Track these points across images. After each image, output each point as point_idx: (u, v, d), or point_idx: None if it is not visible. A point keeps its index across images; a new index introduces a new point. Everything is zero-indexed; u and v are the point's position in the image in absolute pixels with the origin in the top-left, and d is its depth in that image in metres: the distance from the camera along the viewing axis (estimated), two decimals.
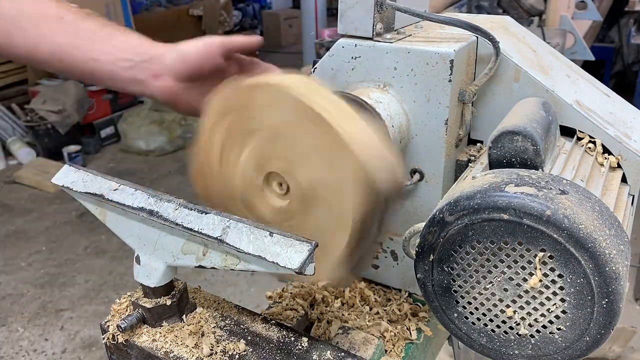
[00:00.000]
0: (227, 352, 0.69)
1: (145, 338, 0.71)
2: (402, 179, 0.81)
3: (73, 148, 4.35)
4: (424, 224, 0.62)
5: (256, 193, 0.69)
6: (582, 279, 0.53)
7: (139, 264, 0.71)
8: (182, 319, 0.74)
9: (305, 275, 0.57)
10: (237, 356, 0.68)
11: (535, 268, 0.56)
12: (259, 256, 0.59)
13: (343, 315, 0.86)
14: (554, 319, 0.57)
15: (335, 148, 0.60)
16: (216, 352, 0.69)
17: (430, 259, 0.62)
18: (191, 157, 0.73)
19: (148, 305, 0.71)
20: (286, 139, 0.64)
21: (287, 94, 0.62)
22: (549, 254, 0.54)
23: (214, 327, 0.73)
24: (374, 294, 0.91)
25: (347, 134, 0.59)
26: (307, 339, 0.71)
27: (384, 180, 0.61)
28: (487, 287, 0.60)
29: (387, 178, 0.62)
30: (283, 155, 0.65)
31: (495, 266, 0.58)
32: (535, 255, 0.55)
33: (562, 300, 0.56)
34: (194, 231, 0.63)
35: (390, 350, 0.82)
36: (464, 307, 0.62)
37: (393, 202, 0.65)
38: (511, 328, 0.60)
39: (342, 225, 0.63)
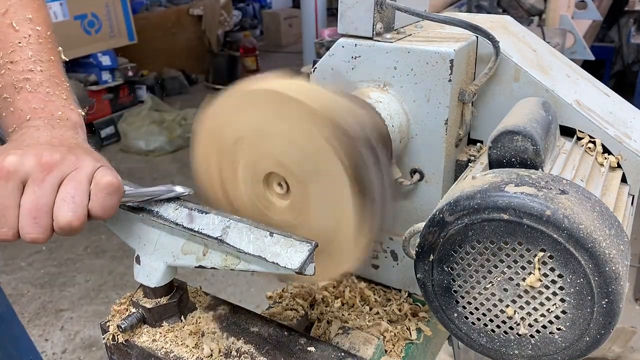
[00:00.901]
0: (227, 352, 0.69)
1: (145, 338, 0.71)
2: (399, 176, 0.81)
3: None
4: (424, 224, 0.62)
5: (264, 203, 0.69)
6: (582, 279, 0.53)
7: (139, 264, 0.71)
8: (182, 319, 0.74)
9: (305, 275, 0.57)
10: (237, 356, 0.68)
11: (535, 268, 0.56)
12: (259, 256, 0.59)
13: (343, 315, 0.86)
14: (553, 319, 0.57)
15: (292, 111, 0.60)
16: (216, 353, 0.69)
17: (430, 259, 0.62)
18: (193, 169, 0.73)
19: (148, 306, 0.71)
20: (262, 134, 0.64)
21: (242, 92, 0.63)
22: (548, 254, 0.54)
23: (213, 327, 0.73)
24: (374, 294, 0.91)
25: (294, 93, 0.60)
26: (307, 339, 0.71)
27: (352, 124, 0.60)
28: (487, 287, 0.60)
29: (353, 121, 0.61)
30: (266, 151, 0.65)
31: (495, 266, 0.58)
32: (535, 255, 0.55)
33: (562, 300, 0.56)
34: (194, 231, 0.63)
35: (390, 350, 0.81)
36: (464, 307, 0.62)
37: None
38: (511, 328, 0.60)
39: (344, 188, 0.61)
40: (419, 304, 0.90)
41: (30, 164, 0.58)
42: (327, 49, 0.84)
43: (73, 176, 0.59)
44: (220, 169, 0.70)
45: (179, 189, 0.68)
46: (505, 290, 0.59)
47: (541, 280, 0.56)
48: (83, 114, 0.73)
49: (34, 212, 0.58)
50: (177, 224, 0.65)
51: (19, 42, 0.72)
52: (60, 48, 0.77)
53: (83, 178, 0.59)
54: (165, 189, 0.67)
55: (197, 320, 0.74)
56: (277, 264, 0.58)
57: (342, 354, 0.68)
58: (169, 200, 0.67)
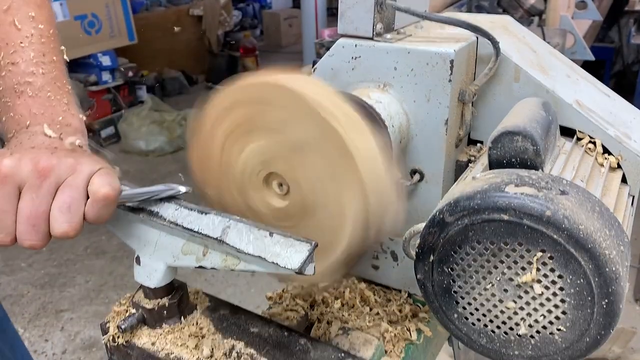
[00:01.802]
0: (227, 353, 0.69)
1: (145, 339, 0.71)
2: (402, 183, 0.81)
3: None
4: (424, 224, 0.62)
5: (255, 188, 0.69)
6: (582, 280, 0.53)
7: (139, 265, 0.71)
8: (182, 320, 0.74)
9: (305, 275, 0.57)
10: (237, 357, 0.68)
11: (535, 269, 0.55)
12: (259, 256, 0.59)
13: (343, 315, 0.86)
14: (554, 320, 0.57)
15: (348, 173, 0.60)
16: (216, 353, 0.69)
17: (430, 260, 0.62)
18: (191, 147, 0.72)
19: (148, 306, 0.71)
20: (301, 150, 0.63)
21: (312, 109, 0.61)
22: (549, 255, 0.54)
23: (213, 328, 0.73)
24: (374, 295, 0.91)
25: (363, 166, 0.60)
26: (307, 339, 0.71)
27: (383, 216, 0.63)
28: (487, 287, 0.60)
29: (386, 214, 0.63)
30: (293, 162, 0.64)
31: (496, 267, 0.58)
32: (535, 256, 0.55)
33: (562, 301, 0.56)
34: (194, 231, 0.63)
35: (390, 351, 0.81)
36: (464, 308, 0.62)
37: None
38: (511, 329, 0.60)
39: (339, 238, 0.63)
40: (419, 304, 0.90)
41: (27, 169, 0.57)
42: (327, 49, 0.84)
43: (69, 182, 0.59)
44: (228, 132, 0.68)
45: (177, 187, 0.67)
46: (506, 290, 0.59)
47: (541, 281, 0.56)
48: (84, 118, 0.72)
49: (33, 219, 0.57)
50: (177, 224, 0.65)
51: (21, 42, 0.70)
52: (63, 47, 0.75)
53: (80, 183, 0.59)
54: (163, 187, 0.67)
55: (197, 321, 0.74)
56: (277, 264, 0.58)
57: (342, 354, 0.68)
58: (169, 199, 0.67)
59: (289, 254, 0.58)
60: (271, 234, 0.60)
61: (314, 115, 0.61)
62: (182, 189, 0.68)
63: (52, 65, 0.71)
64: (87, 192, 0.59)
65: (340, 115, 0.61)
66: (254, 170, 0.68)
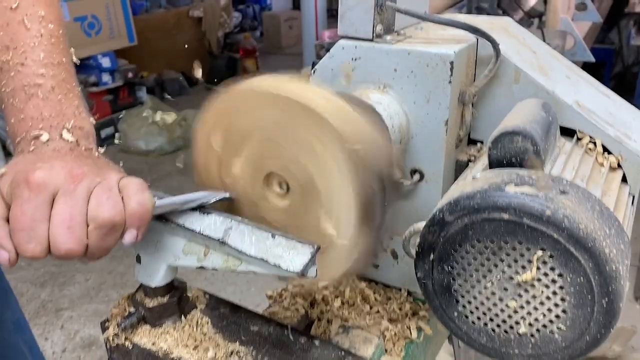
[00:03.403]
0: (227, 351, 0.69)
1: (145, 337, 0.71)
2: (400, 176, 0.81)
3: None
4: (424, 223, 0.62)
5: (259, 199, 0.69)
6: (582, 279, 0.54)
7: (140, 264, 0.71)
8: (182, 319, 0.74)
9: (308, 277, 0.58)
10: (237, 355, 0.69)
11: (535, 267, 0.56)
12: (261, 258, 0.59)
13: (343, 314, 0.86)
14: (554, 318, 0.57)
15: (322, 135, 0.60)
16: (216, 352, 0.69)
17: (430, 258, 0.62)
18: (193, 172, 0.73)
19: (148, 305, 0.72)
20: (277, 136, 0.64)
21: (268, 94, 0.62)
22: (549, 254, 0.54)
23: (213, 326, 0.73)
24: (374, 293, 0.91)
25: (333, 117, 0.60)
26: (307, 338, 0.71)
27: (374, 155, 0.61)
28: (487, 286, 0.60)
29: (376, 153, 0.62)
30: (277, 153, 0.65)
31: (495, 265, 0.58)
32: (535, 255, 0.55)
33: (562, 299, 0.56)
34: (196, 232, 0.63)
35: (391, 349, 0.82)
36: (464, 306, 0.63)
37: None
38: (511, 327, 0.60)
39: (346, 211, 0.62)
40: (419, 302, 0.90)
41: (60, 177, 0.57)
42: (327, 50, 0.84)
43: (103, 184, 0.59)
44: (220, 154, 0.69)
45: (208, 194, 0.67)
46: (505, 289, 0.59)
47: (541, 280, 0.56)
48: (93, 121, 0.71)
49: (68, 221, 0.56)
50: (178, 224, 0.65)
51: (30, 42, 0.68)
52: (72, 49, 0.74)
53: (113, 185, 0.59)
54: (194, 196, 0.66)
55: (197, 320, 0.74)
56: (279, 266, 0.58)
57: (342, 352, 0.69)
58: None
59: (291, 256, 0.58)
60: (273, 236, 0.60)
61: (268, 98, 0.62)
62: (218, 194, 0.67)
63: (61, 67, 0.70)
64: (124, 202, 0.59)
65: (291, 86, 0.62)
66: (254, 179, 0.68)
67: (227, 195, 0.69)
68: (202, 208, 0.66)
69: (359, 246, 0.63)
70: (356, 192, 0.61)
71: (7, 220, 0.57)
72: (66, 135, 0.64)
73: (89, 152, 0.65)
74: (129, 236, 0.60)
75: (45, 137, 0.63)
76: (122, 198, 0.59)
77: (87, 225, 0.57)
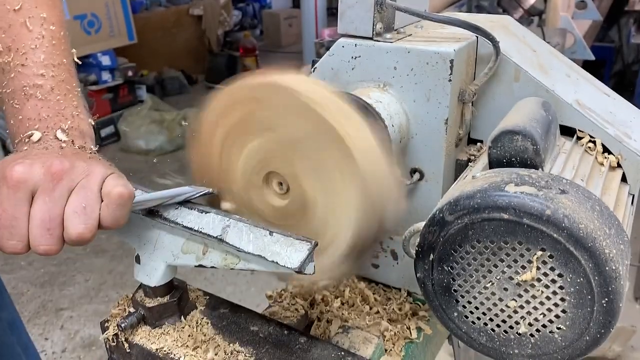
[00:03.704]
0: (227, 351, 0.69)
1: (145, 338, 0.71)
2: (402, 180, 0.81)
3: None
4: (423, 223, 0.62)
5: (255, 189, 0.69)
6: (582, 279, 0.53)
7: (139, 264, 0.71)
8: (182, 319, 0.74)
9: (305, 274, 0.58)
10: (236, 355, 0.69)
11: (535, 267, 0.56)
12: (259, 255, 0.59)
13: (343, 314, 0.86)
14: (553, 318, 0.57)
15: (345, 165, 0.61)
16: (216, 352, 0.69)
17: (430, 259, 0.62)
18: (191, 150, 0.72)
19: (148, 305, 0.71)
20: (297, 146, 0.63)
21: (304, 103, 0.61)
22: (548, 254, 0.54)
23: (213, 326, 0.73)
24: (374, 293, 0.91)
25: (360, 156, 0.60)
26: (307, 338, 0.71)
27: (385, 206, 0.63)
28: (487, 286, 0.60)
29: (388, 204, 0.63)
30: (291, 159, 0.64)
31: (495, 265, 0.58)
32: (535, 255, 0.55)
33: (562, 299, 0.56)
34: (194, 230, 0.63)
35: (390, 350, 0.82)
36: (464, 307, 0.62)
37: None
38: (511, 327, 0.60)
39: (342, 232, 0.63)
40: (419, 303, 0.90)
41: (39, 173, 0.56)
42: (327, 49, 0.84)
43: (83, 184, 0.58)
44: (226, 135, 0.69)
45: (192, 189, 0.67)
46: (505, 289, 0.59)
47: (541, 280, 0.56)
48: (92, 122, 0.71)
49: (47, 223, 0.56)
50: (177, 223, 0.65)
51: (32, 44, 0.68)
52: (74, 50, 0.74)
53: (94, 186, 0.58)
54: (179, 191, 0.66)
55: (197, 320, 0.74)
56: (276, 263, 0.58)
57: (342, 353, 0.68)
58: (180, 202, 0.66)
59: (289, 253, 0.58)
60: (271, 233, 0.60)
61: (306, 109, 0.61)
62: (195, 190, 0.67)
63: (62, 68, 0.70)
64: (101, 195, 0.58)
65: (333, 108, 0.61)
66: (254, 170, 0.68)
67: (209, 190, 0.69)
68: (199, 205, 0.66)
69: (340, 268, 0.65)
70: (355, 230, 0.62)
71: None
72: (60, 135, 0.64)
73: (81, 150, 0.64)
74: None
75: (36, 136, 0.63)
76: (101, 203, 0.58)
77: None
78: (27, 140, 0.63)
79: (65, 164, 0.58)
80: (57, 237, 0.57)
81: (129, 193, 0.59)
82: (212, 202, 0.71)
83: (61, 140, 0.64)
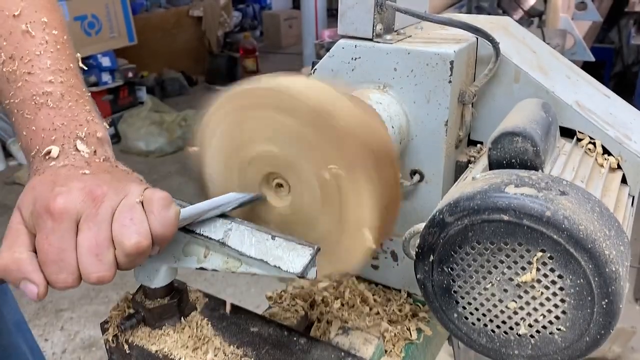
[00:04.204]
0: (227, 352, 0.69)
1: (145, 339, 0.71)
2: (402, 181, 0.82)
3: None
4: (423, 224, 0.62)
5: (256, 189, 0.69)
6: (582, 280, 0.54)
7: (140, 265, 0.71)
8: (182, 320, 0.74)
9: (308, 279, 0.58)
10: (236, 357, 0.69)
11: (535, 269, 0.56)
12: (261, 260, 0.59)
13: (343, 315, 0.86)
14: (553, 320, 0.57)
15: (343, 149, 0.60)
16: (216, 353, 0.69)
17: (430, 260, 0.62)
18: (194, 161, 0.72)
19: (148, 306, 0.71)
20: (299, 143, 0.63)
21: (302, 102, 0.61)
22: (548, 255, 0.54)
23: (213, 327, 0.73)
24: (374, 295, 0.91)
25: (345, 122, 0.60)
26: (307, 339, 0.71)
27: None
28: (487, 287, 0.60)
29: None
30: (293, 160, 0.64)
31: (495, 267, 0.58)
32: (535, 256, 0.55)
33: (562, 300, 0.56)
34: (196, 233, 0.63)
35: (390, 351, 0.82)
36: (464, 308, 0.62)
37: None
38: (511, 328, 0.60)
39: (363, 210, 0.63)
40: (419, 304, 0.90)
41: (80, 200, 0.54)
42: (327, 50, 0.84)
43: (125, 203, 0.56)
44: (226, 144, 0.68)
45: (239, 196, 0.65)
46: (505, 290, 0.59)
47: (541, 281, 0.56)
48: (107, 126, 0.69)
49: (95, 248, 0.54)
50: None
51: (36, 50, 0.66)
52: (78, 54, 0.72)
53: (135, 201, 0.56)
54: (223, 199, 0.64)
55: (197, 321, 0.74)
56: (279, 267, 0.58)
57: (342, 354, 0.68)
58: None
59: (291, 257, 0.58)
60: (273, 237, 0.60)
61: (301, 105, 0.61)
62: (247, 195, 0.65)
63: (69, 73, 0.67)
64: (145, 207, 0.56)
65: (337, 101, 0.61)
66: (258, 172, 0.68)
67: (257, 195, 0.67)
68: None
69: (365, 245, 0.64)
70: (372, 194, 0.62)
71: (34, 251, 0.55)
72: (80, 146, 0.62)
73: (107, 163, 0.62)
74: (152, 251, 0.58)
75: (55, 151, 0.61)
76: (146, 215, 0.56)
77: (115, 248, 0.55)
78: (47, 157, 0.61)
79: (103, 188, 0.56)
80: (108, 262, 0.55)
81: (168, 195, 0.58)
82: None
83: (83, 152, 0.61)
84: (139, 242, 0.54)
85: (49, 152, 0.60)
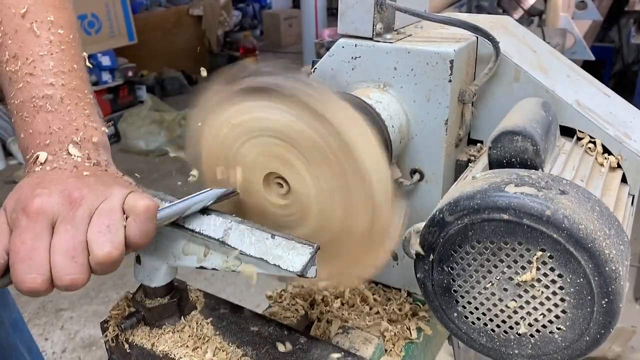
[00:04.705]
0: (227, 352, 0.69)
1: (145, 338, 0.71)
2: (402, 180, 0.81)
3: None
4: (424, 223, 0.62)
5: (255, 192, 0.69)
6: (581, 279, 0.54)
7: (140, 264, 0.71)
8: (182, 319, 0.74)
9: (307, 278, 0.58)
10: (236, 356, 0.69)
11: (535, 268, 0.56)
12: (261, 258, 0.59)
13: (343, 314, 0.86)
14: (553, 319, 0.57)
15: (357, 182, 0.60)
16: (215, 353, 0.69)
17: (430, 259, 0.62)
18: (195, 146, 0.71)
19: (148, 305, 0.71)
20: (312, 156, 0.62)
21: (333, 128, 0.59)
22: (548, 254, 0.54)
23: (213, 327, 0.73)
24: (374, 294, 0.91)
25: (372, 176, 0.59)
26: (307, 338, 0.71)
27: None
28: (487, 286, 0.60)
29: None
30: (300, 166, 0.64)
31: (495, 266, 0.58)
32: (535, 255, 0.55)
33: (562, 299, 0.56)
34: (196, 232, 0.63)
35: (390, 350, 0.82)
36: (464, 307, 0.62)
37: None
38: (511, 327, 0.60)
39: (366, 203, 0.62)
40: (419, 303, 0.90)
41: (58, 202, 0.54)
42: (327, 49, 0.84)
43: (104, 206, 0.55)
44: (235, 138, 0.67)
45: (216, 191, 0.65)
46: (505, 289, 0.59)
47: (541, 280, 0.56)
48: (106, 130, 0.68)
49: (72, 250, 0.53)
50: (178, 224, 0.65)
51: (39, 51, 0.65)
52: (85, 54, 0.70)
53: (115, 206, 0.55)
54: (201, 197, 0.63)
55: (196, 320, 0.74)
56: (278, 266, 0.58)
57: (342, 353, 0.68)
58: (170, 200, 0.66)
59: (291, 256, 0.58)
60: (273, 236, 0.60)
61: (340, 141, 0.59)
62: (221, 190, 0.65)
63: (72, 75, 0.66)
64: (126, 212, 0.56)
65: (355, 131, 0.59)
66: (259, 170, 0.67)
67: (232, 190, 0.67)
68: (204, 209, 0.65)
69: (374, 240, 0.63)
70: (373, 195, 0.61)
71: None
72: (73, 150, 0.61)
73: (96, 167, 0.62)
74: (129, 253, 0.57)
75: (43, 156, 0.60)
76: (126, 221, 0.55)
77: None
78: (35, 161, 0.60)
79: (83, 190, 0.55)
80: (83, 265, 0.53)
81: (154, 205, 0.57)
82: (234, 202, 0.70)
83: (74, 156, 0.61)
84: (110, 253, 0.53)
85: (37, 157, 0.60)
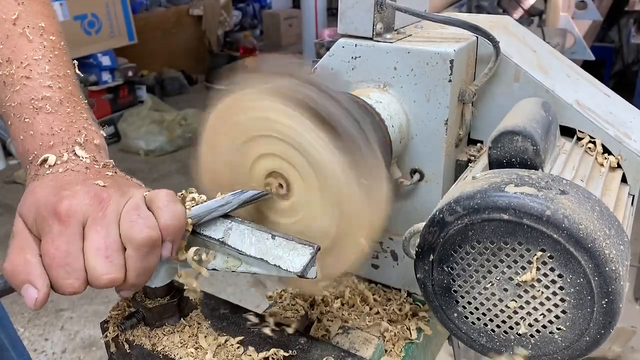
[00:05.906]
0: (227, 352, 0.69)
1: (145, 338, 0.71)
2: (399, 176, 0.81)
3: None
4: (424, 224, 0.62)
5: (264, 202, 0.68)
6: (582, 279, 0.54)
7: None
8: (182, 320, 0.74)
9: (308, 278, 0.57)
10: (236, 356, 0.69)
11: (535, 268, 0.56)
12: (261, 259, 0.59)
13: (343, 315, 0.86)
14: (553, 319, 0.57)
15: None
16: (215, 353, 0.69)
17: (430, 259, 0.62)
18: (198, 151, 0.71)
19: (148, 305, 0.71)
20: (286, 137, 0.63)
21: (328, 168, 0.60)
22: (548, 254, 0.54)
23: (213, 327, 0.73)
24: (374, 294, 0.91)
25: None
26: (307, 338, 0.71)
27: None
28: (487, 287, 0.60)
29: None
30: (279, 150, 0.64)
31: (495, 266, 0.58)
32: (535, 255, 0.55)
33: (562, 300, 0.56)
34: (196, 233, 0.63)
35: (390, 350, 0.82)
36: (464, 307, 0.62)
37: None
38: (511, 328, 0.60)
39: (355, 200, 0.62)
40: (419, 303, 0.90)
41: (86, 203, 0.54)
42: (327, 49, 0.84)
43: (130, 203, 0.56)
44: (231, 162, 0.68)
45: (250, 193, 0.64)
46: (505, 290, 0.59)
47: (541, 280, 0.56)
48: (104, 134, 0.68)
49: (105, 250, 0.53)
50: None
51: (34, 55, 0.65)
52: (75, 61, 0.71)
53: (139, 202, 0.56)
54: (232, 197, 0.63)
55: (197, 321, 0.74)
56: (279, 266, 0.58)
57: (342, 353, 0.68)
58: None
59: (291, 257, 0.58)
60: (273, 237, 0.60)
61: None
62: (255, 192, 0.64)
63: (67, 79, 0.67)
64: (148, 208, 0.56)
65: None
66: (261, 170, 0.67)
67: (263, 192, 0.66)
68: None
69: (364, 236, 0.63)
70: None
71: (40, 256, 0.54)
72: (79, 152, 0.61)
73: (107, 169, 0.62)
74: (165, 251, 0.57)
75: (52, 159, 0.60)
76: (153, 212, 0.56)
77: (124, 250, 0.55)
78: (43, 164, 0.60)
79: (109, 191, 0.56)
80: (119, 264, 0.54)
81: (172, 191, 0.58)
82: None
83: (82, 158, 0.61)
84: (149, 234, 0.54)
85: (45, 160, 0.60)
